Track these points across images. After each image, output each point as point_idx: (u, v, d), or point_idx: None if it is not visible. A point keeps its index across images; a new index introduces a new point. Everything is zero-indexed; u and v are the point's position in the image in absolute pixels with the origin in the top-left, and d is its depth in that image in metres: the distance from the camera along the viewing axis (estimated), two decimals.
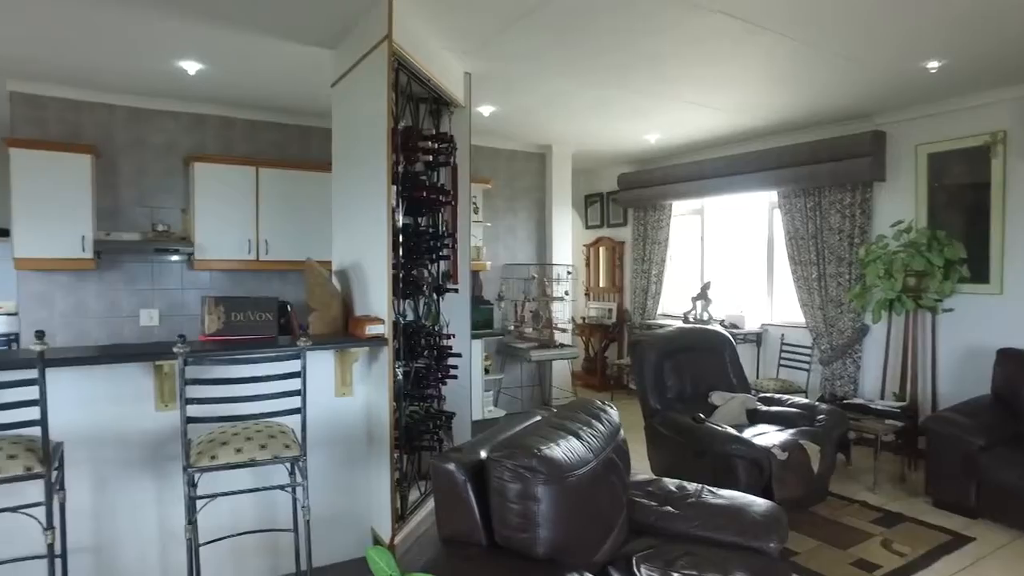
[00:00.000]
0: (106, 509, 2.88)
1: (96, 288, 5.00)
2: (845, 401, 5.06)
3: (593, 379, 8.06)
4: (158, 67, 4.32)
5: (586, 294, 8.61)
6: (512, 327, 6.65)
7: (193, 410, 2.43)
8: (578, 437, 2.40)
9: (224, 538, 2.85)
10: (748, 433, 4.07)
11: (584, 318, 8.26)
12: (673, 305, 7.62)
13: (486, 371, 5.96)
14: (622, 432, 2.77)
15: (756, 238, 6.71)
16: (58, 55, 4.15)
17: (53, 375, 2.32)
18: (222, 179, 5.08)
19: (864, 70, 4.31)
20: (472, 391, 4.59)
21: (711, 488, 2.81)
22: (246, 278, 5.48)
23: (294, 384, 2.49)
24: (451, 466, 2.15)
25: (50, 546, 2.31)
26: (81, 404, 2.79)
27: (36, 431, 2.27)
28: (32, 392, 2.23)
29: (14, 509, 2.31)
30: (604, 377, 7.96)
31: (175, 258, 5.23)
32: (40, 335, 2.22)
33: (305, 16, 3.50)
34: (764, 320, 6.54)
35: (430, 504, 3.77)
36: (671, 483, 2.90)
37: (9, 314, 5.06)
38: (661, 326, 7.28)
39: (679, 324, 6.50)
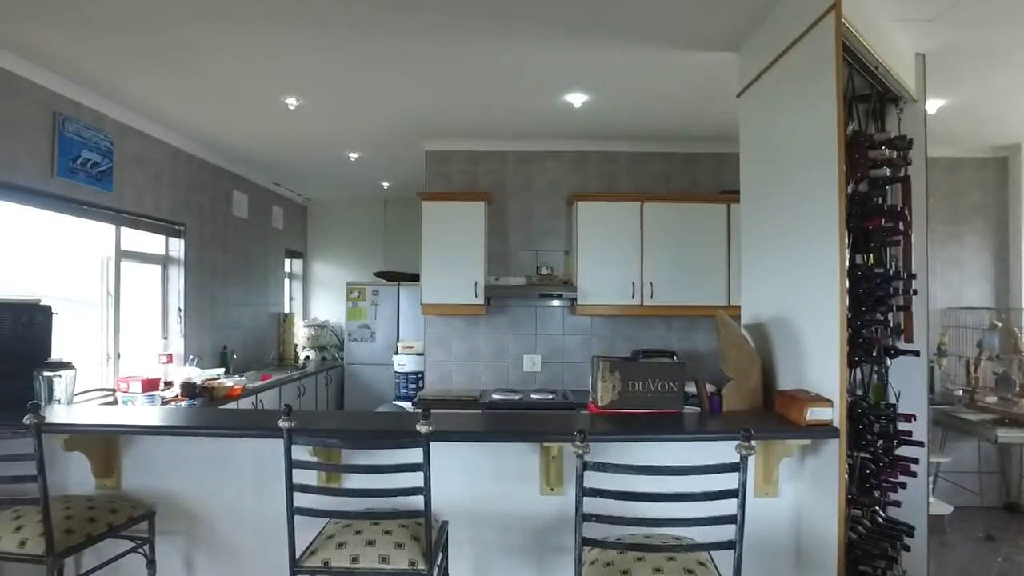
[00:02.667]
0: None
1: (485, 332, 5.10)
2: None
3: None
4: (545, 105, 4.19)
5: None
6: (960, 392, 4.96)
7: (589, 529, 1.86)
8: None
9: None
10: None
11: None
12: None
13: None
14: None
15: None
16: (462, 112, 4.41)
17: (438, 445, 2.04)
18: (605, 217, 4.73)
19: None
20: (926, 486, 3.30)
21: None
22: (628, 324, 5.04)
23: (727, 506, 1.74)
24: None
25: None
26: (465, 478, 2.58)
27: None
28: (417, 478, 1.92)
29: None
30: None
31: (556, 303, 5.06)
32: (427, 416, 1.90)
33: (709, 13, 2.87)
34: None
35: None
36: None
37: (418, 354, 5.48)
38: None
39: None
